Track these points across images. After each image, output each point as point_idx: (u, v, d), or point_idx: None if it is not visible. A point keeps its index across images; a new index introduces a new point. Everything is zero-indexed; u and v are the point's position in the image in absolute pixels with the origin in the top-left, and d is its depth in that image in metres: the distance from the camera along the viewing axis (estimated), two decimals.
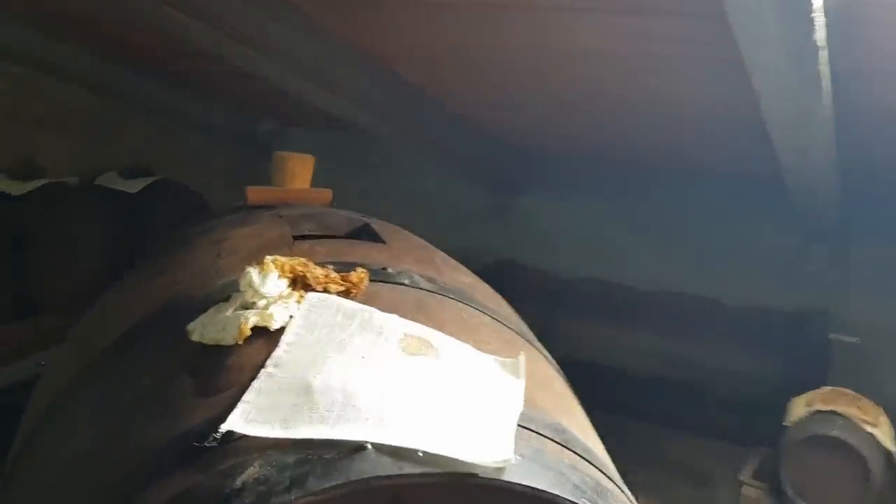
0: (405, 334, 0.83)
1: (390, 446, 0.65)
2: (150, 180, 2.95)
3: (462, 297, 0.99)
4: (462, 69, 2.40)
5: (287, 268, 0.84)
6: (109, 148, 3.19)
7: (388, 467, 0.63)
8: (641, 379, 3.13)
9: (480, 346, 0.88)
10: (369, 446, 0.64)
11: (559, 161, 3.31)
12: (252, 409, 0.70)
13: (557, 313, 3.22)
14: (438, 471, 0.64)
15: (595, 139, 2.96)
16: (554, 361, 1.08)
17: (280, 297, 0.83)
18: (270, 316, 0.80)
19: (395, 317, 0.85)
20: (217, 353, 0.80)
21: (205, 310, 0.85)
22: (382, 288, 0.93)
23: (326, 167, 3.64)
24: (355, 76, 2.48)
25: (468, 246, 3.61)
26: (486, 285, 1.20)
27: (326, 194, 1.34)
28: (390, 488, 0.66)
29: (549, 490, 0.66)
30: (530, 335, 1.06)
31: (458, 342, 0.85)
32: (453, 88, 2.66)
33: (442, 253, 1.24)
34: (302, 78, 2.51)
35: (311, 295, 0.85)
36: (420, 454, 0.64)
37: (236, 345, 0.80)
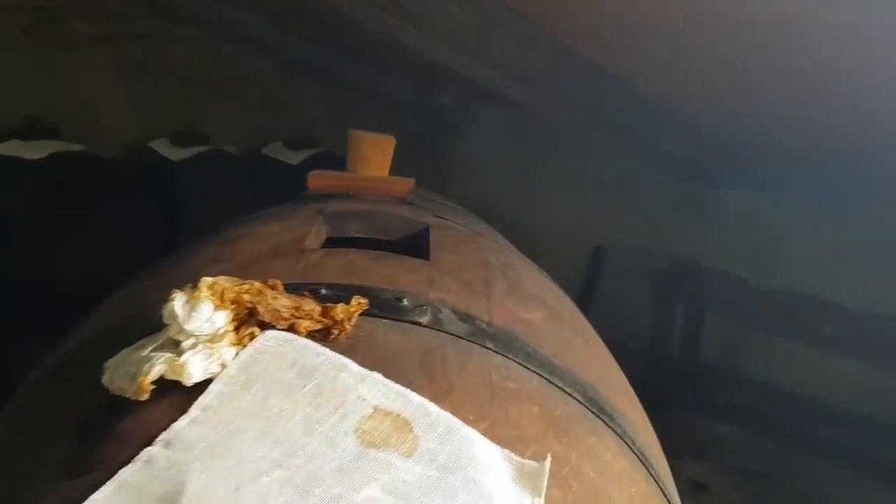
0: (375, 409, 0.57)
1: None
2: (311, 152, 2.86)
3: (506, 347, 0.70)
4: (656, 45, 2.04)
5: (228, 295, 0.60)
6: (282, 117, 3.15)
7: None
8: (843, 415, 2.61)
9: (502, 429, 0.60)
10: None
11: (768, 155, 2.82)
12: None
13: (746, 327, 2.76)
14: None
15: (819, 132, 2.46)
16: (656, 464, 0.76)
17: (216, 335, 0.59)
18: (182, 367, 0.57)
19: (374, 378, 0.59)
20: (119, 409, 0.58)
21: (135, 340, 0.63)
22: (386, 328, 0.67)
23: (505, 147, 3.40)
24: (534, 57, 2.24)
25: (648, 244, 3.24)
26: (582, 324, 0.90)
27: (404, 185, 1.09)
28: None
29: None
30: (610, 402, 0.75)
31: (457, 424, 0.57)
32: (643, 68, 2.31)
33: (528, 272, 0.95)
34: (470, 58, 2.30)
35: (267, 334, 0.61)
36: None
37: (146, 400, 0.58)
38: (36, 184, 2.21)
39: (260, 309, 0.61)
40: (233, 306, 0.60)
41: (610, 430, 0.71)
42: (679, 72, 2.23)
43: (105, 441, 0.55)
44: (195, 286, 0.60)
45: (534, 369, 0.70)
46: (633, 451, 0.72)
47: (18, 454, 0.58)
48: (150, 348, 0.60)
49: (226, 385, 0.57)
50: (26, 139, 2.33)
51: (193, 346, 0.58)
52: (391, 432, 0.55)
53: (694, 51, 1.98)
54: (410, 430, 0.56)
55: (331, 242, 0.89)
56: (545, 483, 0.55)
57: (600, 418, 0.71)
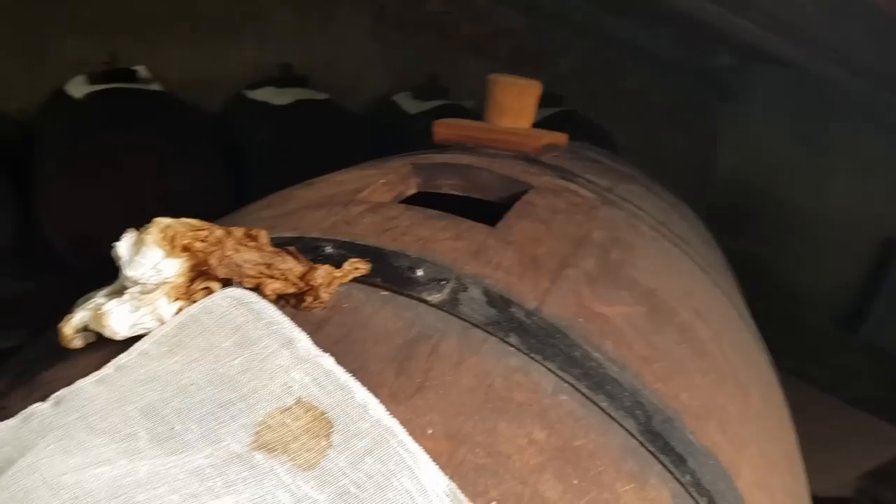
0: (297, 401, 0.45)
1: None
2: (552, 111, 2.72)
3: (541, 345, 0.54)
4: None
5: (180, 241, 0.51)
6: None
7: None
8: None
9: (472, 453, 0.45)
10: None
11: None
12: None
13: None
14: None
15: None
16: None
17: (157, 287, 0.51)
18: (103, 317, 0.49)
19: (318, 363, 0.47)
20: (56, 357, 0.52)
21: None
22: (380, 302, 0.54)
23: (784, 114, 2.99)
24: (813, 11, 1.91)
25: None
26: (723, 340, 0.70)
27: (538, 138, 0.92)
28: None
29: None
30: (690, 440, 0.55)
31: (398, 439, 0.43)
32: None
33: (660, 258, 0.75)
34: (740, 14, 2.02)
35: (224, 292, 0.52)
36: None
37: (79, 350, 0.51)
38: (279, 128, 2.35)
39: (212, 261, 0.51)
40: (184, 253, 0.52)
41: (671, 479, 0.52)
42: None
43: (20, 387, 0.50)
44: (148, 226, 0.52)
45: (569, 380, 0.53)
46: None
47: None
48: (101, 293, 0.53)
49: (152, 345, 0.49)
50: (279, 86, 2.48)
51: (128, 298, 0.50)
52: (299, 435, 0.43)
53: None
54: (327, 435, 0.43)
55: (419, 197, 0.77)
56: None
57: (658, 459, 0.52)
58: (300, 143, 2.29)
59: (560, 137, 0.96)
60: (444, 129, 0.94)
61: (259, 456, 0.42)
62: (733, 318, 0.79)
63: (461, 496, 0.42)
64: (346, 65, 2.73)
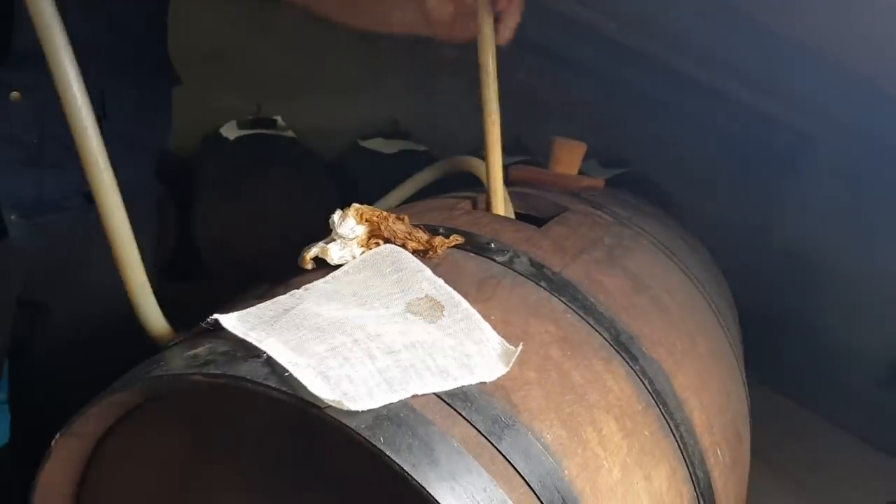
0: (426, 296, 0.88)
1: (277, 363, 0.74)
2: (619, 171, 3.13)
3: (558, 289, 0.96)
4: None
5: (364, 215, 0.96)
6: (609, 139, 3.45)
7: (255, 374, 0.73)
8: None
9: (513, 329, 0.87)
10: (264, 356, 0.75)
11: None
12: (252, 313, 0.86)
13: None
14: (279, 386, 0.71)
15: None
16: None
17: (352, 239, 0.96)
18: (327, 251, 0.94)
19: (433, 279, 0.90)
20: (296, 272, 0.97)
21: None
22: (468, 258, 0.97)
23: (841, 183, 3.26)
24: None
25: None
26: (684, 312, 1.10)
27: (578, 182, 1.35)
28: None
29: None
30: (643, 350, 0.96)
31: (471, 314, 0.85)
32: None
33: (649, 262, 1.16)
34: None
35: (385, 246, 0.96)
36: (286, 374, 0.72)
37: (308, 269, 0.96)
38: (386, 172, 2.83)
39: (382, 227, 0.96)
40: (366, 223, 0.96)
41: (625, 364, 0.93)
42: None
43: (278, 287, 0.95)
44: (348, 207, 0.97)
45: (574, 308, 0.94)
46: (645, 386, 0.93)
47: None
48: (321, 242, 0.98)
49: (349, 267, 0.93)
50: (387, 138, 2.99)
51: (338, 243, 0.95)
52: (426, 308, 0.86)
53: None
54: (441, 311, 0.86)
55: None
56: (513, 359, 0.81)
57: (620, 354, 0.93)
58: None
59: (597, 182, 1.38)
60: (516, 172, 1.38)
61: (409, 315, 0.85)
62: (702, 306, 1.19)
63: (506, 343, 0.84)
64: (444, 122, 3.21)
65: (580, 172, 1.40)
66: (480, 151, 3.04)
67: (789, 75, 2.35)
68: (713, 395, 1.05)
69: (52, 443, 0.87)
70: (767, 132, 3.76)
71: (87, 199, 1.25)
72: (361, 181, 2.81)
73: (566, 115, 3.43)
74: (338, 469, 0.80)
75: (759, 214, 3.74)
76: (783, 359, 3.23)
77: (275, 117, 2.86)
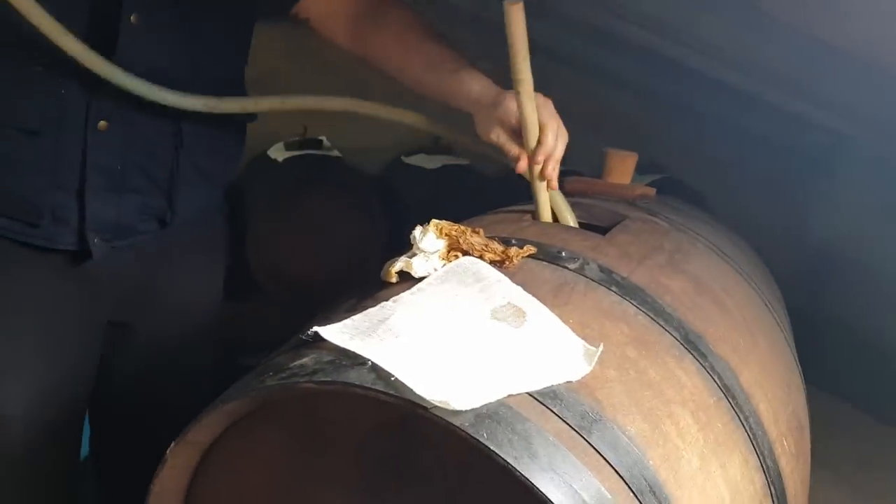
0: (508, 302, 0.95)
1: (381, 369, 0.81)
2: (656, 177, 3.18)
3: (628, 293, 1.02)
4: None
5: (444, 230, 1.03)
6: (641, 148, 3.50)
7: (363, 379, 0.80)
8: None
9: (590, 331, 0.93)
10: (368, 364, 0.82)
11: None
12: (349, 325, 0.93)
13: None
14: (387, 390, 0.78)
15: None
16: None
17: (434, 252, 1.03)
18: (410, 264, 1.01)
19: (512, 287, 0.97)
20: (380, 285, 1.04)
21: None
22: (542, 266, 1.04)
23: (877, 182, 3.29)
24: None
25: None
26: (742, 308, 1.15)
27: (632, 190, 1.41)
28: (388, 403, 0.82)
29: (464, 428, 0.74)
30: (710, 348, 1.02)
31: (552, 318, 0.92)
32: None
33: (707, 264, 1.22)
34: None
35: (464, 258, 1.03)
36: (392, 379, 0.79)
37: (393, 282, 1.03)
38: (430, 187, 2.92)
39: (461, 241, 1.03)
40: (446, 237, 1.03)
41: (696, 362, 0.98)
42: None
43: (366, 301, 1.02)
44: (428, 223, 1.04)
45: (644, 310, 1.01)
46: (715, 381, 0.98)
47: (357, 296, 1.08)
48: (404, 256, 1.05)
49: (433, 279, 1.00)
50: (430, 153, 3.07)
51: (421, 257, 1.02)
52: (510, 315, 0.93)
53: None
54: (524, 316, 0.93)
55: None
56: (595, 359, 0.87)
57: (690, 353, 0.99)
58: (447, 198, 2.85)
59: (650, 191, 1.44)
60: (575, 184, 1.45)
61: (494, 322, 0.91)
62: (758, 304, 1.24)
63: (587, 345, 0.90)
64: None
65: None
66: None
67: (822, 78, 2.38)
68: (776, 388, 1.10)
69: (168, 451, 0.94)
70: (801, 133, 3.79)
71: (161, 223, 1.35)
72: (406, 196, 2.89)
73: (600, 123, 3.49)
74: (434, 469, 0.87)
75: (796, 214, 3.76)
76: (826, 357, 3.24)
77: (320, 138, 2.95)
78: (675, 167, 3.31)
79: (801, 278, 3.63)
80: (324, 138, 2.96)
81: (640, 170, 3.19)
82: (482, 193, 2.96)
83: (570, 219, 1.24)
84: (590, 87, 3.46)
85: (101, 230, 1.27)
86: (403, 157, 3.10)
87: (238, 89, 1.37)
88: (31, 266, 1.25)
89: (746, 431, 0.98)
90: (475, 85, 1.29)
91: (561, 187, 1.30)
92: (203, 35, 1.27)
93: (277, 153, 2.88)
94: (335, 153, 2.95)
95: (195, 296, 1.48)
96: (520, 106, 1.21)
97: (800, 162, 3.82)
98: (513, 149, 1.26)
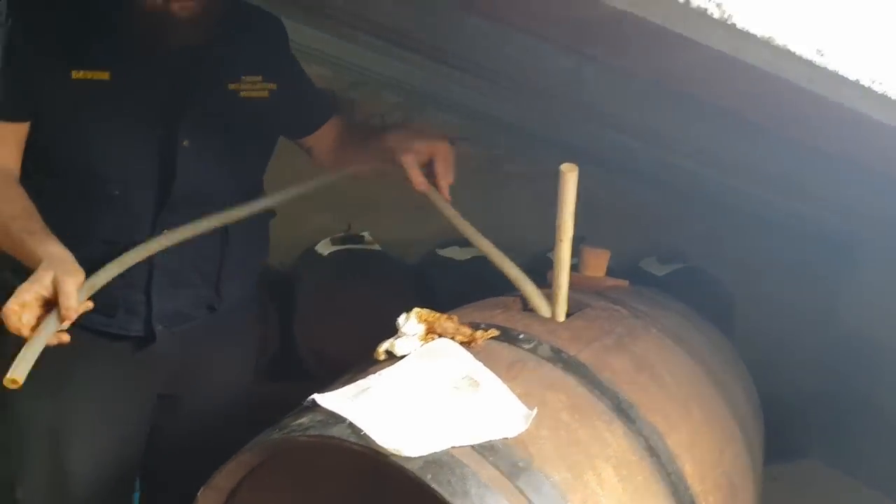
0: (466, 376, 1.18)
1: (356, 426, 1.05)
2: (679, 266, 3.37)
3: (572, 369, 1.24)
4: None
5: (423, 317, 1.29)
6: (665, 238, 3.71)
7: (342, 433, 1.04)
8: None
9: (532, 400, 1.15)
10: (347, 422, 1.07)
11: None
12: (340, 392, 1.18)
13: None
14: (358, 441, 1.02)
15: None
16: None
17: (414, 335, 1.28)
18: (394, 345, 1.26)
19: (474, 363, 1.20)
20: (372, 363, 1.29)
21: None
22: (502, 347, 1.28)
23: None
24: None
25: None
26: (679, 385, 1.36)
27: (602, 282, 1.64)
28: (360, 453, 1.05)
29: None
30: (641, 415, 1.22)
31: (502, 388, 1.15)
32: None
33: (653, 348, 1.43)
34: None
35: (438, 340, 1.27)
36: (362, 433, 1.03)
37: (381, 360, 1.28)
38: (461, 277, 3.18)
39: (436, 326, 1.28)
40: (425, 322, 1.29)
41: (623, 426, 1.20)
42: None
43: (358, 375, 1.26)
44: (411, 311, 1.30)
45: (583, 383, 1.23)
46: (640, 442, 1.19)
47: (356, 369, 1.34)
48: (390, 340, 1.30)
49: (411, 357, 1.24)
50: (462, 246, 3.34)
51: (403, 339, 1.27)
52: (467, 385, 1.16)
53: None
54: (478, 386, 1.16)
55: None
56: (531, 420, 1.10)
57: (619, 419, 1.20)
58: (476, 288, 3.10)
59: (621, 283, 1.67)
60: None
61: (454, 389, 1.15)
62: (702, 381, 1.44)
63: (527, 409, 1.12)
64: (510, 229, 3.55)
65: (607, 273, 1.70)
66: (545, 254, 3.33)
67: (838, 186, 2.55)
68: (706, 452, 1.29)
69: (199, 494, 1.19)
70: (822, 230, 3.93)
71: (210, 309, 1.64)
72: (437, 287, 3.15)
73: (625, 216, 3.72)
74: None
75: (821, 301, 3.86)
76: (854, 441, 3.31)
77: (363, 233, 3.27)
78: (699, 258, 3.50)
79: (829, 363, 3.72)
80: (366, 234, 3.27)
81: (663, 260, 3.40)
82: (505, 282, 3.20)
83: (546, 309, 1.46)
84: (615, 183, 3.70)
85: (163, 319, 1.56)
86: (438, 250, 3.38)
87: (261, 190, 1.67)
88: (102, 350, 1.54)
89: (669, 486, 1.18)
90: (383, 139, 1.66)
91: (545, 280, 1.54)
92: (241, 153, 1.59)
93: (324, 247, 3.19)
94: (376, 247, 3.25)
95: (233, 371, 1.75)
96: (557, 255, 1.41)
97: (824, 250, 3.94)
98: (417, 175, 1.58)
